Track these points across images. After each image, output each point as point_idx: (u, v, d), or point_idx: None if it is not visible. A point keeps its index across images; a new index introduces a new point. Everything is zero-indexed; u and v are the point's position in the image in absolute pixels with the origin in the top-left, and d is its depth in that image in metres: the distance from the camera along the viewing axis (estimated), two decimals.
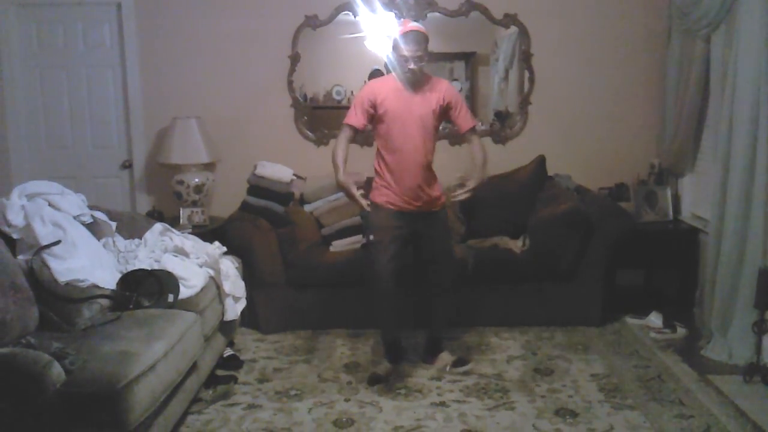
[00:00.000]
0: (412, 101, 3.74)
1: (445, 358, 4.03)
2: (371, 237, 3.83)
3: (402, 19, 3.77)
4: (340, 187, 3.70)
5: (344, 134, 3.76)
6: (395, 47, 3.69)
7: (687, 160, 4.98)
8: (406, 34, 3.66)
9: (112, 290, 3.37)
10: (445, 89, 3.81)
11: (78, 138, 5.49)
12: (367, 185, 3.91)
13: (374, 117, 3.77)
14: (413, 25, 3.75)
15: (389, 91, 3.74)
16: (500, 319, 4.62)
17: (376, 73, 5.34)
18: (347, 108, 5.36)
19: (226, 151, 5.37)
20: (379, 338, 4.08)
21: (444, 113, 3.82)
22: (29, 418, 2.54)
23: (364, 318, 4.38)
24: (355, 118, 3.75)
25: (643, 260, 5.08)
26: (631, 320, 4.70)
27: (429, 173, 3.83)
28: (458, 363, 3.98)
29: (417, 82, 3.73)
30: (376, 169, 3.86)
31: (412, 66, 3.65)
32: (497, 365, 4.03)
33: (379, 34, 5.30)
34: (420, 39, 3.65)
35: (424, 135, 3.76)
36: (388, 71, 3.93)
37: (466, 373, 3.91)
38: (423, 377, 3.89)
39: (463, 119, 3.85)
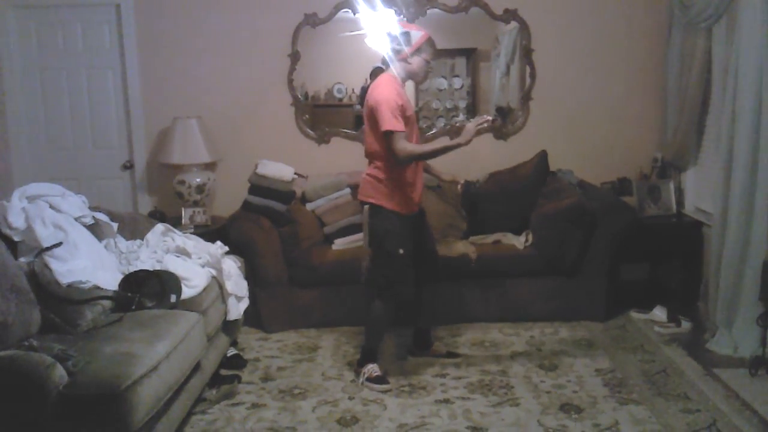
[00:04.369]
0: (412, 104, 3.77)
1: (440, 348, 4.15)
2: (401, 251, 3.66)
3: (407, 22, 3.72)
4: (467, 137, 3.51)
5: (403, 138, 3.52)
6: (420, 50, 3.63)
7: (690, 153, 4.95)
8: (430, 40, 3.65)
9: (115, 291, 3.36)
10: None
11: (79, 139, 5.50)
12: (369, 189, 3.76)
13: None
14: (425, 30, 3.71)
15: (404, 94, 3.69)
16: (504, 316, 4.61)
17: (377, 71, 5.31)
18: (349, 106, 5.49)
19: (227, 151, 5.36)
20: (370, 344, 3.88)
21: None
22: (32, 420, 2.54)
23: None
24: (401, 124, 3.52)
25: (646, 254, 5.06)
26: (635, 315, 4.69)
27: None
28: (451, 355, 4.10)
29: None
30: (391, 177, 3.66)
31: (431, 71, 3.70)
32: (501, 361, 4.02)
33: (378, 31, 5.28)
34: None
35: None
36: (386, 69, 3.84)
37: (457, 365, 3.98)
38: (427, 374, 3.88)
39: None
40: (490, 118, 3.61)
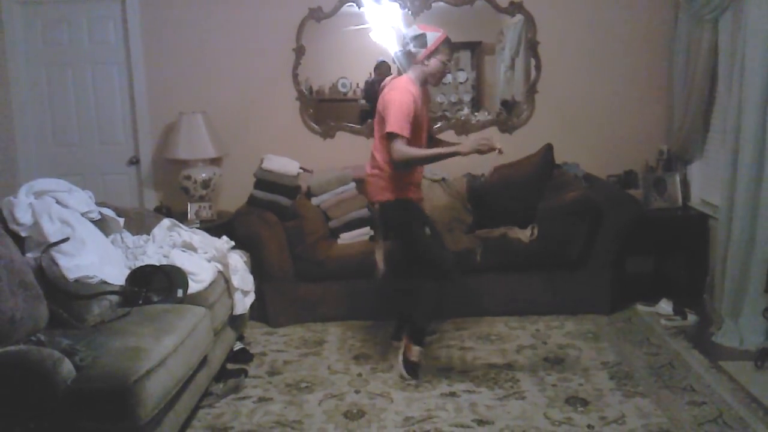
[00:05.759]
0: (425, 106, 3.73)
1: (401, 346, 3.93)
2: (427, 230, 3.69)
3: (420, 23, 3.61)
4: (467, 149, 3.42)
5: (404, 144, 3.47)
6: (437, 51, 3.55)
7: (696, 145, 4.94)
8: (447, 40, 3.56)
9: (121, 286, 3.38)
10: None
11: (85, 135, 5.51)
12: (377, 188, 3.76)
13: None
14: (442, 30, 3.61)
15: (418, 97, 3.58)
16: (510, 309, 4.61)
17: (381, 65, 5.32)
18: (353, 100, 5.48)
19: (233, 146, 5.37)
20: (422, 324, 3.78)
21: None
22: (40, 414, 2.55)
23: (373, 309, 4.40)
24: (408, 129, 3.49)
25: (652, 247, 5.05)
26: (641, 308, 4.68)
27: None
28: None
29: None
30: (395, 172, 3.67)
31: (449, 72, 3.62)
32: (507, 355, 4.03)
33: (383, 25, 5.28)
34: None
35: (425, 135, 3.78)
36: (399, 72, 3.76)
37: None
38: (433, 368, 3.88)
39: None
40: (500, 146, 3.38)
